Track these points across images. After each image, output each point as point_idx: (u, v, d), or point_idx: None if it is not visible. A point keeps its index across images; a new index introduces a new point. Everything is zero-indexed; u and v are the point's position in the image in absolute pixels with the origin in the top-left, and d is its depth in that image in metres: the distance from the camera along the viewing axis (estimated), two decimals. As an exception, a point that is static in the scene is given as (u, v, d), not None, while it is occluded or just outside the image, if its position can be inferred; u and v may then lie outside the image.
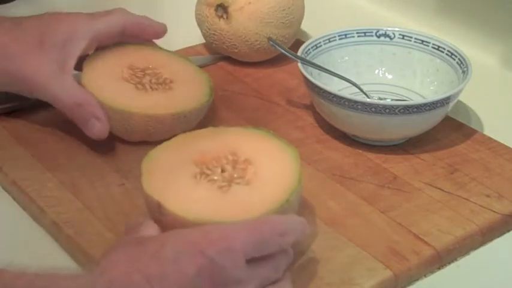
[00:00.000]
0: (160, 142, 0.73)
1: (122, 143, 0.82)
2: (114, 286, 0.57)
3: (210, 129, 0.75)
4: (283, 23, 0.96)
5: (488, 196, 0.77)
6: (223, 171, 0.69)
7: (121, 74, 0.83)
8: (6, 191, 0.79)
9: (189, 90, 0.84)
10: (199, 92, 0.84)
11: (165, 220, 0.65)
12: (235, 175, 0.68)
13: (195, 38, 1.03)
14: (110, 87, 0.81)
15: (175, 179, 0.68)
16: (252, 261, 0.60)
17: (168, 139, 0.74)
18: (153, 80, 0.83)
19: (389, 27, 0.91)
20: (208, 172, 0.68)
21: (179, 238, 0.60)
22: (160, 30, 0.88)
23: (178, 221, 0.64)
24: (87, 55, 0.85)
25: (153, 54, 0.88)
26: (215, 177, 0.68)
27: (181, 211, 0.65)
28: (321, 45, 0.90)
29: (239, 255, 0.59)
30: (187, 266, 0.58)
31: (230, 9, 0.95)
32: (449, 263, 0.71)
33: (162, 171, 0.69)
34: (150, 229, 0.65)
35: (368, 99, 0.84)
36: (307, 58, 0.87)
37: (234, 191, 0.67)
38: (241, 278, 0.60)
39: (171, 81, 0.84)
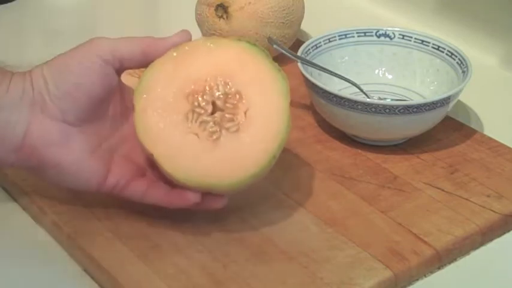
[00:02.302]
0: None
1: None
2: None
3: (205, 42, 0.72)
4: (283, 23, 0.96)
5: (488, 196, 0.77)
6: (214, 106, 0.69)
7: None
8: (6, 191, 0.79)
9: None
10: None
11: (157, 168, 0.69)
12: (226, 115, 0.68)
13: (195, 38, 1.03)
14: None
15: (168, 122, 0.68)
16: None
17: None
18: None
19: (389, 27, 0.91)
20: (200, 111, 0.69)
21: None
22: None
23: (169, 176, 0.68)
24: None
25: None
26: (206, 118, 0.68)
27: (172, 169, 0.67)
28: (321, 45, 0.90)
29: None
30: None
31: (230, 9, 0.95)
32: (449, 263, 0.71)
33: (155, 106, 0.69)
34: None
35: (368, 99, 0.84)
36: (307, 58, 0.87)
37: (224, 143, 0.68)
38: None
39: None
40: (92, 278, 0.69)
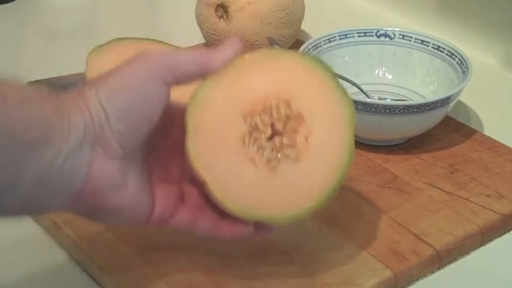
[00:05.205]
0: None
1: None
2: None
3: (264, 54, 0.64)
4: (283, 23, 0.96)
5: (488, 196, 0.77)
6: (272, 128, 0.63)
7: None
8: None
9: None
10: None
11: (209, 195, 0.62)
12: (284, 141, 0.63)
13: (195, 38, 1.03)
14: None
15: (223, 145, 0.62)
16: None
17: None
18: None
19: (389, 27, 0.91)
20: (258, 135, 0.62)
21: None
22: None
23: (221, 205, 0.62)
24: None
25: (154, 48, 0.73)
26: (264, 144, 0.62)
27: (227, 200, 0.61)
28: (321, 45, 0.89)
29: None
30: None
31: (230, 10, 0.95)
32: (449, 263, 0.71)
33: (209, 127, 0.62)
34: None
35: (368, 99, 0.84)
36: (307, 58, 0.87)
37: (282, 172, 0.62)
38: None
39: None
40: (92, 278, 0.69)
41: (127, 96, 0.59)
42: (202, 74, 0.62)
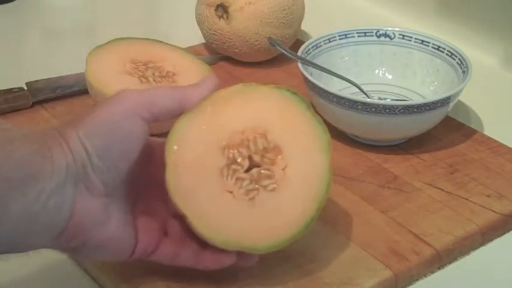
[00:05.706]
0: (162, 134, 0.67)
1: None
2: None
3: (240, 88, 0.66)
4: (283, 23, 0.96)
5: (488, 196, 0.77)
6: (250, 160, 0.64)
7: (123, 67, 0.84)
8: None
9: (193, 82, 0.74)
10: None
11: (191, 228, 0.63)
12: (262, 171, 0.64)
13: (195, 38, 1.03)
14: (114, 81, 0.82)
15: (202, 178, 0.63)
16: None
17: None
18: (156, 73, 0.84)
19: (389, 27, 0.91)
20: (236, 167, 0.64)
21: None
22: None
23: (202, 237, 0.63)
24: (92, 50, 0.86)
25: (153, 48, 0.88)
26: (243, 176, 0.64)
27: (208, 232, 0.62)
28: (321, 45, 0.90)
29: None
30: None
31: (230, 9, 0.95)
32: (449, 263, 0.71)
33: (188, 161, 0.63)
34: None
35: (368, 99, 0.84)
36: (307, 58, 0.87)
37: (261, 203, 0.63)
38: None
39: (173, 74, 0.85)
40: (92, 278, 0.69)
41: (106, 135, 0.60)
42: (180, 110, 0.64)
